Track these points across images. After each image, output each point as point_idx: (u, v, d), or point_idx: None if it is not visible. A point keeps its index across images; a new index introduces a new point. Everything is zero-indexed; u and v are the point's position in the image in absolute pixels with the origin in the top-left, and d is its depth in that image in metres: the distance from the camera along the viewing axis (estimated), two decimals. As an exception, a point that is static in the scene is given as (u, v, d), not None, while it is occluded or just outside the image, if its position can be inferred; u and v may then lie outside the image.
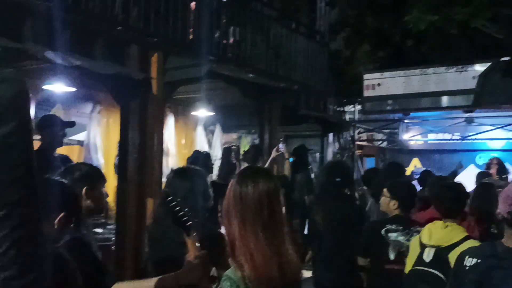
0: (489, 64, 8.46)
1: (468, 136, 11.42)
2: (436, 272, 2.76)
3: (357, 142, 12.53)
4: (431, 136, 12.17)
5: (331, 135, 8.55)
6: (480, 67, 8.61)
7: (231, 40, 6.35)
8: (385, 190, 3.46)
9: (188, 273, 1.77)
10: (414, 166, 12.51)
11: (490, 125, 10.88)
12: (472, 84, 8.62)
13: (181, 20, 5.44)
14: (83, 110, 6.37)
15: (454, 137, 11.62)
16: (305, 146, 7.24)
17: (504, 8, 6.70)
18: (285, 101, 6.97)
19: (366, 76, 9.49)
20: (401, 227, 3.27)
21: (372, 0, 10.28)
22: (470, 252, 2.24)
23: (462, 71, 8.67)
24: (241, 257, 1.73)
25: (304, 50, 7.76)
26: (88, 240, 2.16)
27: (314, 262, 4.53)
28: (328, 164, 4.62)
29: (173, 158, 7.02)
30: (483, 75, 8.46)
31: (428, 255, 2.85)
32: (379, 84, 9.35)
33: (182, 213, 1.81)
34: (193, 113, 7.55)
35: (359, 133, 12.25)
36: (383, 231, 3.30)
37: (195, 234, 1.81)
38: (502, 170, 7.64)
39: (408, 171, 12.45)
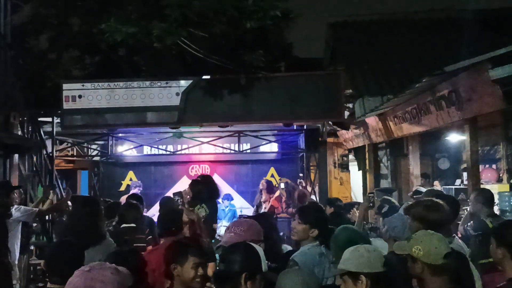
0: (191, 81, 8.48)
1: (179, 150, 11.58)
2: None
3: (65, 157, 11.31)
4: (146, 149, 11.90)
5: (16, 156, 7.15)
6: (185, 84, 8.57)
7: None
8: None
9: None
10: (130, 179, 12.06)
11: (197, 139, 11.22)
12: (176, 101, 8.50)
13: None
14: None
15: (166, 152, 11.63)
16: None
17: (197, 29, 6.67)
18: None
19: (65, 86, 8.37)
20: None
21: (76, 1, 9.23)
22: None
23: (166, 86, 8.47)
24: None
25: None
26: None
27: None
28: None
29: None
30: (186, 92, 8.43)
31: None
32: (80, 96, 8.37)
33: None
34: None
35: (68, 146, 11.06)
36: None
37: None
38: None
39: (124, 185, 11.98)
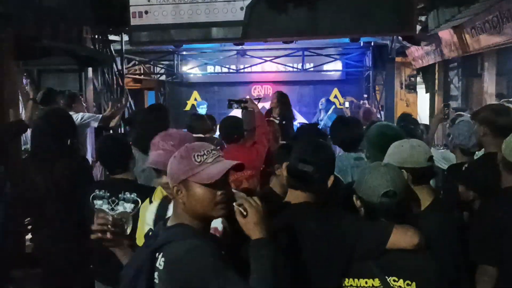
0: (255, -6, 8.25)
1: (242, 68, 11.57)
2: None
3: (133, 76, 11.63)
4: (210, 68, 11.99)
5: (90, 70, 7.43)
6: (248, -2, 8.36)
7: None
8: None
9: None
10: (195, 98, 12.32)
11: (260, 57, 11.13)
12: (240, 15, 8.34)
13: None
14: None
15: (230, 70, 11.66)
16: (52, 89, 6.09)
17: None
18: (21, 29, 5.59)
19: (132, 2, 8.38)
20: (108, 194, 2.92)
21: None
22: None
23: (231, 1, 8.28)
24: None
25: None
26: None
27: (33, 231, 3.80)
28: (43, 113, 3.78)
29: None
30: (250, 6, 8.22)
31: None
32: (146, 12, 8.39)
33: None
34: None
35: (134, 65, 11.32)
36: (90, 198, 2.95)
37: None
38: None
39: (189, 105, 12.26)
